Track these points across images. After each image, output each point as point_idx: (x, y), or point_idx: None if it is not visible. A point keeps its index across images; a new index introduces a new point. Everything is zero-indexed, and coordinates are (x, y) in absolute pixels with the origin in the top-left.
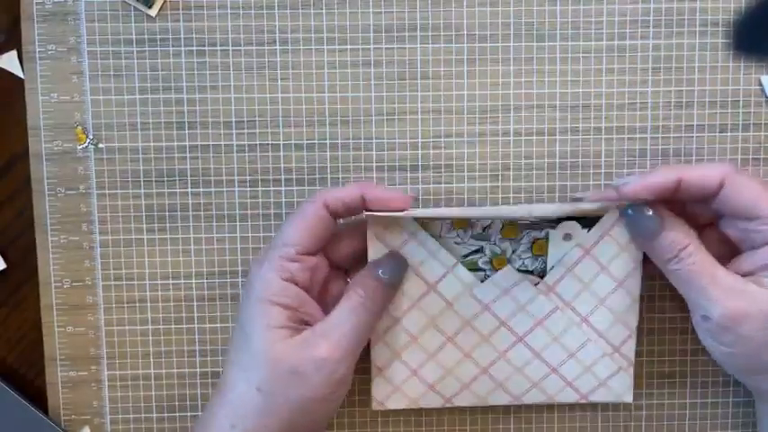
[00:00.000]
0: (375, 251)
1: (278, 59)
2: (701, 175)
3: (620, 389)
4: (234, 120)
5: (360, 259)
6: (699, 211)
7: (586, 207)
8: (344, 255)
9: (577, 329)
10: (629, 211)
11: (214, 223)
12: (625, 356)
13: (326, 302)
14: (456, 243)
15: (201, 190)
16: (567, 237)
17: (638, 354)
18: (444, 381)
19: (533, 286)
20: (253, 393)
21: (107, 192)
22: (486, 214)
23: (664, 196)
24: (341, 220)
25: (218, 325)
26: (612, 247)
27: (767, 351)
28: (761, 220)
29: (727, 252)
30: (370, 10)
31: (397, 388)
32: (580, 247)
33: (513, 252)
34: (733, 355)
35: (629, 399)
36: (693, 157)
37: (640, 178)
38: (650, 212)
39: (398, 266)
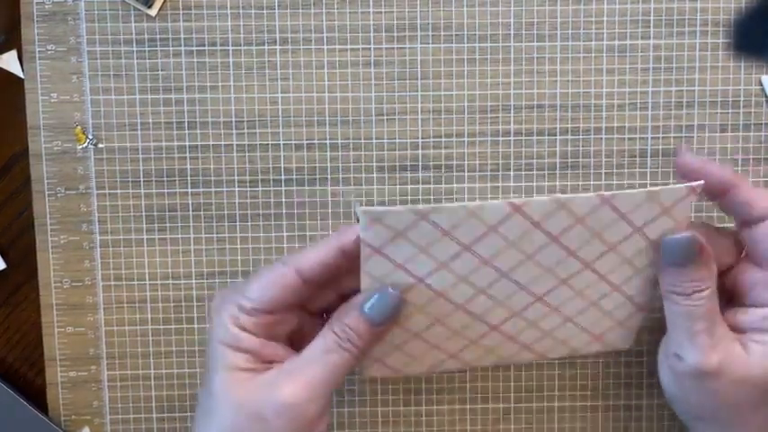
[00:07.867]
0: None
1: (278, 59)
2: (751, 197)
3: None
4: (234, 120)
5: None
6: (723, 256)
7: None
8: (318, 307)
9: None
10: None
11: (214, 223)
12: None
13: (298, 344)
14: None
15: (201, 190)
16: None
17: (637, 354)
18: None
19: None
20: None
21: (107, 192)
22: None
23: (714, 187)
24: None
25: None
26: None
27: (720, 410)
28: None
29: (723, 302)
30: (371, 10)
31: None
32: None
33: None
34: (686, 400)
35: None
36: None
37: (701, 159)
38: (691, 236)
39: (390, 304)
